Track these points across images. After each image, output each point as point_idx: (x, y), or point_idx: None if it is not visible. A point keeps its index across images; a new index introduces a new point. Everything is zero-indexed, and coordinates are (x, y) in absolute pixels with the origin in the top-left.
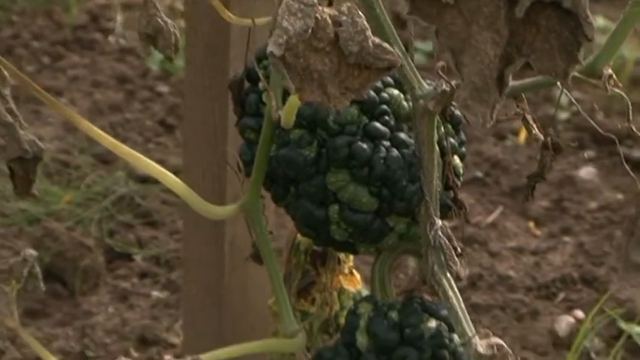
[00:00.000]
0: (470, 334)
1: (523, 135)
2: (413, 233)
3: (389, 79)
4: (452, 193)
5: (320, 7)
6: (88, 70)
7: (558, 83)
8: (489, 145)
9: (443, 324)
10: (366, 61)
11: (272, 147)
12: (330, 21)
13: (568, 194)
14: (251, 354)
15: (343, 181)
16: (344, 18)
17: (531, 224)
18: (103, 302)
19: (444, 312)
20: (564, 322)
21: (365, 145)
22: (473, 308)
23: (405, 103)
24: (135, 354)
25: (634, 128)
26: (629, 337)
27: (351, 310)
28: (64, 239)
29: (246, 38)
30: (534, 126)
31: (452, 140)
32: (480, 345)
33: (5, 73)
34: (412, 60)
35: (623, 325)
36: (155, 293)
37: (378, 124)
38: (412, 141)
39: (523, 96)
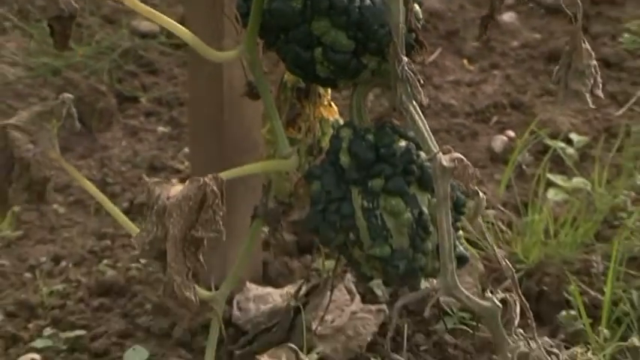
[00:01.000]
0: (435, 151)
1: None
2: (383, 69)
3: None
4: (414, 35)
5: None
6: None
7: None
8: None
9: (411, 143)
10: None
11: (265, 0)
12: None
13: (494, 35)
14: (246, 175)
15: (325, 27)
16: None
17: (465, 61)
18: (117, 137)
19: (412, 134)
20: (499, 141)
21: None
22: None
23: None
24: (147, 179)
25: None
26: (554, 150)
27: (333, 134)
28: (82, 86)
29: None
30: None
31: None
32: (444, 159)
33: None
34: None
35: (548, 141)
36: (160, 128)
37: None
38: None
39: None
